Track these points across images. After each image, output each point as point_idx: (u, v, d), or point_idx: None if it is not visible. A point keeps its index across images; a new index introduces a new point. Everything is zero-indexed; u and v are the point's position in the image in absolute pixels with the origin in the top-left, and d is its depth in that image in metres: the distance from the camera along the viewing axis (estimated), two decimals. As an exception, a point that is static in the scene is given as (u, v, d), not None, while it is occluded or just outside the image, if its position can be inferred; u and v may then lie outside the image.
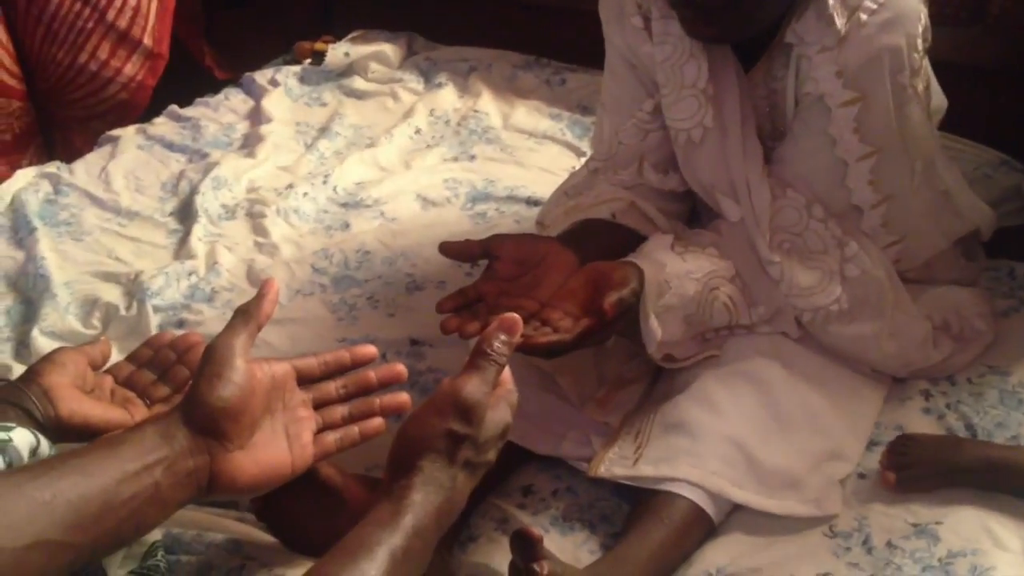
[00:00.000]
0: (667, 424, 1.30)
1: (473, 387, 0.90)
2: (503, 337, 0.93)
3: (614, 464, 1.29)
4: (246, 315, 0.95)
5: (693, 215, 1.54)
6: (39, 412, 0.96)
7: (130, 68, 2.40)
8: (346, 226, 1.94)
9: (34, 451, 0.84)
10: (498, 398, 0.92)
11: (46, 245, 1.85)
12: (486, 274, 1.26)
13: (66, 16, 2.31)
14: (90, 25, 2.33)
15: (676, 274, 1.28)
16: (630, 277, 1.22)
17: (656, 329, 1.25)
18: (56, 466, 0.80)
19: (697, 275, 1.30)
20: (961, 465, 1.25)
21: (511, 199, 1.98)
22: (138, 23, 2.37)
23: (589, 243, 1.33)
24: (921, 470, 1.26)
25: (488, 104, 2.33)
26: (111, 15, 2.33)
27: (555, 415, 1.37)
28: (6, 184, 2.06)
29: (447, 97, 2.38)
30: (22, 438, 0.83)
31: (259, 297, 0.97)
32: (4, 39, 2.27)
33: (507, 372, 0.94)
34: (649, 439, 1.29)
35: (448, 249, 1.28)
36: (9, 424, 0.84)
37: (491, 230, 1.81)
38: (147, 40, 2.39)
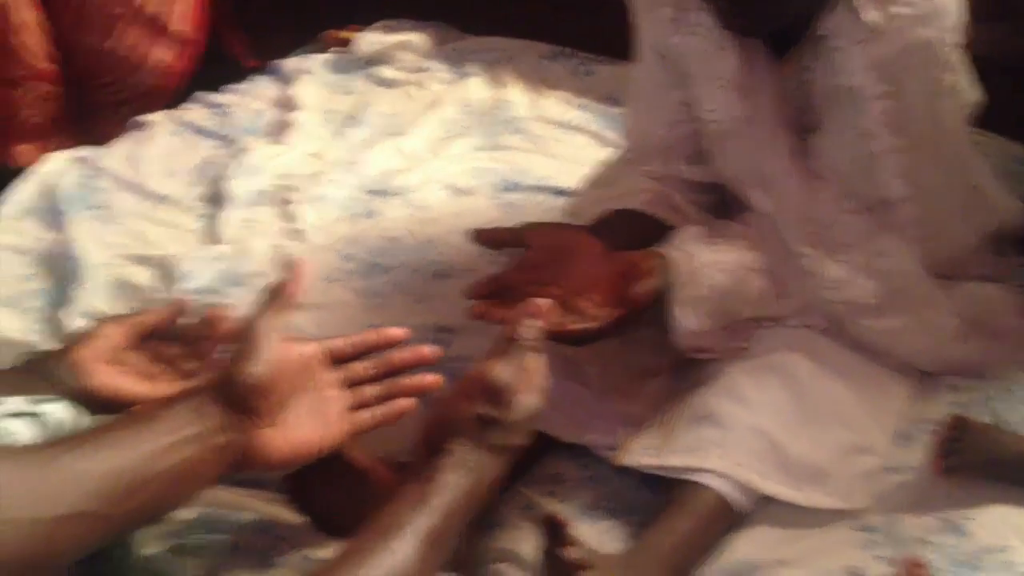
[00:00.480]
0: (694, 415, 1.29)
1: (500, 369, 0.91)
2: (529, 321, 0.94)
3: (640, 454, 1.29)
4: (276, 294, 0.96)
5: (723, 206, 1.53)
6: (69, 384, 0.97)
7: (160, 54, 2.40)
8: (374, 214, 1.94)
9: (70, 424, 0.85)
10: (529, 383, 0.92)
11: (77, 228, 1.86)
12: (515, 262, 1.27)
13: (96, 0, 2.32)
14: (120, 10, 2.34)
15: (705, 265, 1.28)
16: (659, 267, 1.22)
17: (684, 320, 1.25)
18: (90, 439, 0.81)
19: (727, 266, 1.30)
20: (1000, 457, 1.24)
21: (539, 189, 1.98)
22: (168, 9, 2.38)
23: (619, 233, 1.33)
24: (969, 457, 1.24)
25: (516, 94, 2.32)
26: (141, 0, 2.35)
27: (581, 404, 1.37)
28: (37, 167, 2.07)
29: (475, 87, 2.37)
30: (59, 411, 0.84)
31: (289, 277, 0.98)
32: (37, 22, 2.28)
33: (542, 359, 0.95)
34: (676, 429, 1.29)
35: (479, 236, 1.29)
36: (46, 396, 0.85)
37: (519, 219, 1.80)
38: (177, 26, 2.40)
